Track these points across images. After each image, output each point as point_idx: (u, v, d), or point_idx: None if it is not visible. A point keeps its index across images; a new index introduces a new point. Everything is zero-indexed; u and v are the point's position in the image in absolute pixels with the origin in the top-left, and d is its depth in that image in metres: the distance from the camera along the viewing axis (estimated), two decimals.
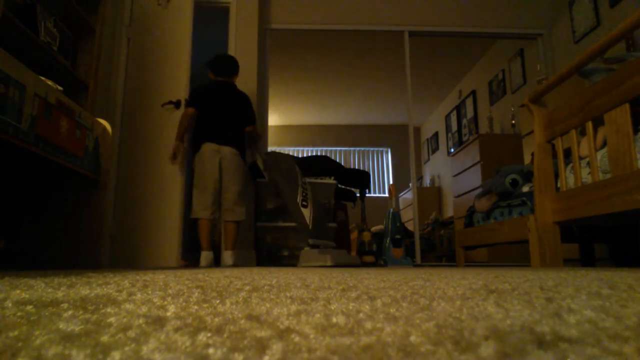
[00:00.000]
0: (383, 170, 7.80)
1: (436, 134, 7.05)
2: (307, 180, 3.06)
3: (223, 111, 2.89)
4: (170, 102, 3.11)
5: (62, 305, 0.42)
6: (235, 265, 2.85)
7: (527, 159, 3.68)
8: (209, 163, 2.79)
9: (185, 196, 3.12)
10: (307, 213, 2.67)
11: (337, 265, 2.58)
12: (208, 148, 2.80)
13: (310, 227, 2.70)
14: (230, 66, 3.07)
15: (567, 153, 2.24)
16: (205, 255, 2.80)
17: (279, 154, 3.11)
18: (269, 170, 2.93)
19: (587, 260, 2.91)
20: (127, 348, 0.24)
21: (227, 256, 2.85)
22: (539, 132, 2.28)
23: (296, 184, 2.77)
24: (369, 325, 0.31)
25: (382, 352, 0.23)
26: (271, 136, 5.88)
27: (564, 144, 2.16)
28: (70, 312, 0.37)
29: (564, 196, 2.06)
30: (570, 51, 3.99)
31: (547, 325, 0.30)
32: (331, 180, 3.51)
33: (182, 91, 3.12)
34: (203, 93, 2.96)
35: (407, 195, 6.58)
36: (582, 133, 2.10)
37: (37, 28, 2.10)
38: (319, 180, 3.48)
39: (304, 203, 2.71)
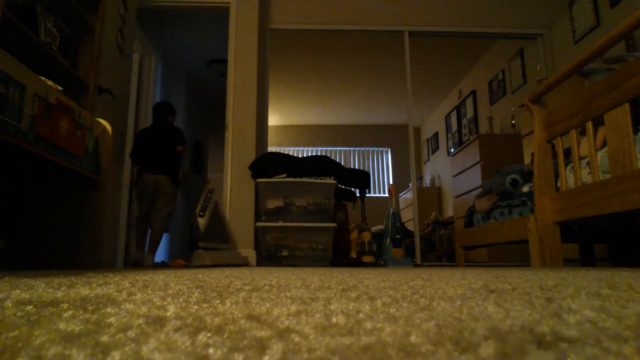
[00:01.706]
0: (383, 170, 7.80)
1: (436, 134, 7.05)
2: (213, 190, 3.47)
3: (157, 147, 3.48)
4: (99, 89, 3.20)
5: (62, 305, 0.42)
6: (145, 264, 3.29)
7: (527, 159, 3.68)
8: (146, 188, 3.38)
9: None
10: (202, 222, 3.14)
11: (220, 264, 2.97)
12: (146, 177, 3.40)
13: (203, 232, 3.13)
14: (160, 110, 3.65)
15: (567, 153, 2.24)
16: (138, 254, 3.38)
17: (194, 176, 3.73)
18: (181, 186, 3.49)
19: (587, 260, 2.91)
20: (127, 348, 0.24)
21: (149, 258, 3.32)
22: (539, 132, 2.28)
23: (198, 198, 3.24)
24: (369, 325, 0.31)
25: (382, 352, 0.23)
26: (271, 136, 5.88)
27: (564, 144, 2.16)
28: (70, 312, 0.37)
29: (564, 196, 2.06)
30: (570, 51, 3.99)
31: (547, 325, 0.30)
32: (331, 180, 3.51)
33: (107, 80, 3.18)
34: (143, 135, 3.59)
35: (407, 195, 6.57)
36: (582, 133, 2.10)
37: (37, 28, 2.10)
38: (318, 180, 3.48)
39: (201, 213, 3.17)
